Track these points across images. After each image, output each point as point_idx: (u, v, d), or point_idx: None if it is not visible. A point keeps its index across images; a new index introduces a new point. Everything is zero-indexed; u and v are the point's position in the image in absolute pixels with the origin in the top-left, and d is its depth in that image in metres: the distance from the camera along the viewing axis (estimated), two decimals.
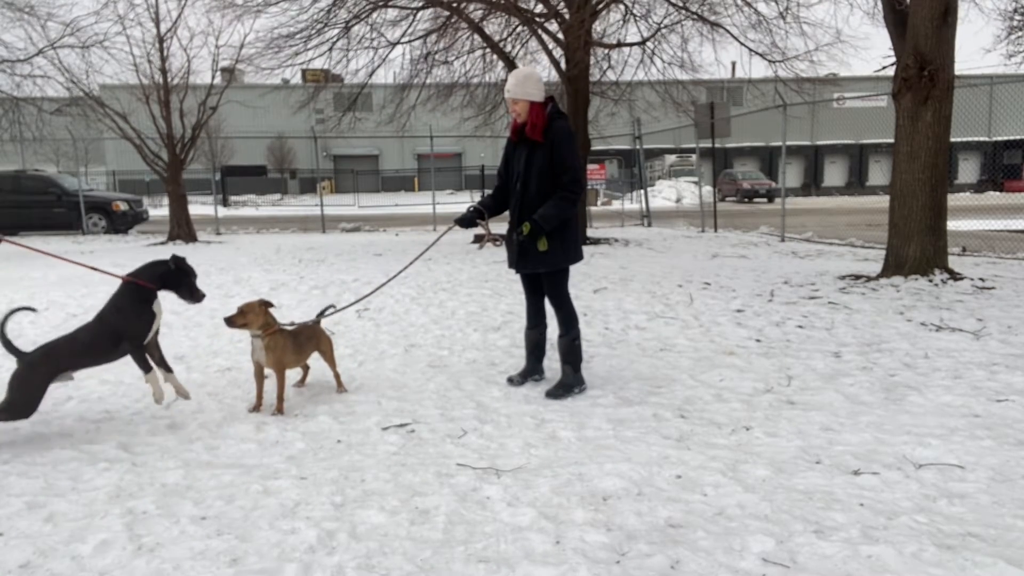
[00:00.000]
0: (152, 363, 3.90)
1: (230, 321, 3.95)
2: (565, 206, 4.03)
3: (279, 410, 3.98)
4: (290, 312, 6.77)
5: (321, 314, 4.50)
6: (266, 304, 4.06)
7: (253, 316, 3.97)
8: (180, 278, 3.96)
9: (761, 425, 3.67)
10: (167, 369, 3.98)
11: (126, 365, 5.07)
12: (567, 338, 4.29)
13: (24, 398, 3.55)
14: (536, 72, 4.28)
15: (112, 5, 14.68)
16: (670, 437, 3.54)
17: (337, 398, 4.27)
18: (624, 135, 19.19)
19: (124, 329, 3.78)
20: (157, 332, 3.94)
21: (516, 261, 4.26)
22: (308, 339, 4.29)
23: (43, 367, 3.62)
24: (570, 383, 4.28)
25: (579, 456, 3.32)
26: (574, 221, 4.19)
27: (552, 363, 4.64)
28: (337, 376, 4.44)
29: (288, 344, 4.08)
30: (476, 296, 7.55)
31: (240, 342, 5.59)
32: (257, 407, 4.06)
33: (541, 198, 4.08)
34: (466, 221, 4.34)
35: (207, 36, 18.95)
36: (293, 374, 4.49)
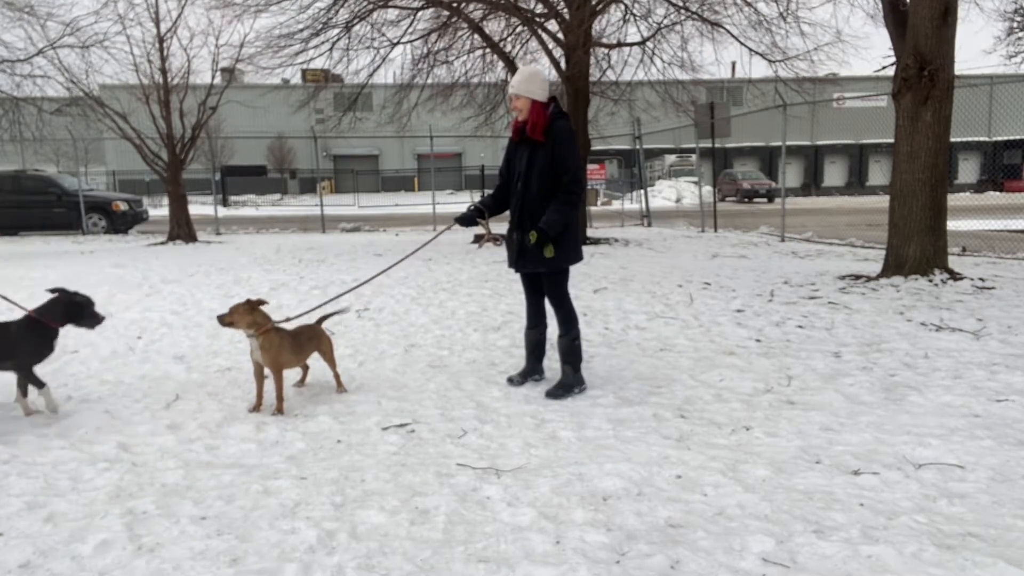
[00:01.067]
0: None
1: (220, 319, 4.03)
2: (567, 209, 4.04)
3: (279, 410, 3.98)
4: (291, 312, 6.77)
5: (322, 319, 4.51)
6: (254, 304, 4.05)
7: (238, 316, 4.00)
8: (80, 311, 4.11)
9: (761, 425, 3.67)
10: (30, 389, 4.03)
11: (126, 365, 5.09)
12: (567, 338, 4.29)
13: None
14: (541, 72, 4.28)
15: (112, 5, 14.69)
16: (670, 437, 3.54)
17: (337, 398, 4.27)
18: (624, 135, 19.18)
19: (16, 354, 3.90)
20: None
21: (516, 260, 4.27)
22: (308, 340, 4.29)
23: None
24: (570, 383, 4.28)
25: (579, 456, 3.32)
26: (574, 222, 4.19)
27: (552, 363, 4.64)
28: (337, 376, 4.44)
29: (285, 343, 4.08)
30: (476, 296, 7.55)
31: (240, 342, 5.59)
32: (257, 407, 4.06)
33: (541, 197, 4.08)
34: (467, 220, 4.36)
35: (207, 36, 18.96)
36: (293, 374, 4.49)
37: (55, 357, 5.30)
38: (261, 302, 4.09)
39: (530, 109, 4.08)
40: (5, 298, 4.48)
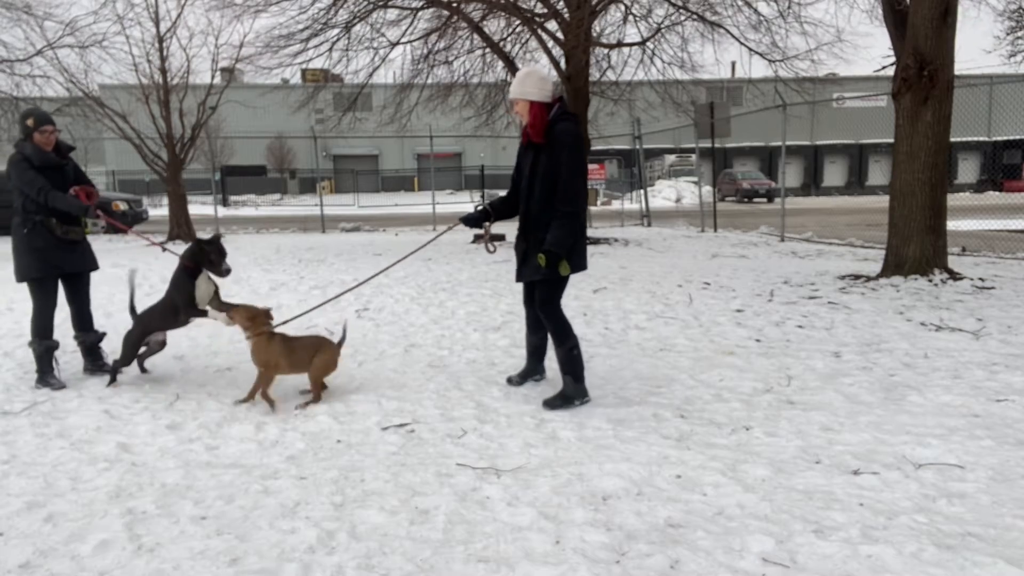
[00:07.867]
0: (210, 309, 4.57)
1: (223, 304, 4.45)
2: (568, 222, 3.85)
3: (249, 398, 4.15)
4: (289, 312, 6.76)
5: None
6: (256, 311, 4.26)
7: (236, 313, 4.27)
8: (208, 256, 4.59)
9: (761, 425, 3.67)
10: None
11: (126, 365, 5.08)
12: (563, 349, 4.08)
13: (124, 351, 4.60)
14: (537, 71, 4.09)
15: (111, 4, 14.67)
16: (670, 437, 3.54)
17: (337, 398, 4.26)
18: (624, 135, 19.17)
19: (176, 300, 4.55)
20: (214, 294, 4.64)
21: (517, 271, 4.19)
22: (304, 350, 4.20)
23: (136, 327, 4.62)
24: (570, 395, 4.05)
25: (579, 456, 3.32)
26: (582, 231, 4.02)
27: (553, 363, 4.63)
28: (316, 390, 4.21)
29: (274, 348, 4.12)
30: (476, 296, 7.55)
31: (239, 342, 5.58)
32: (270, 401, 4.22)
33: (543, 204, 3.91)
34: (472, 221, 4.25)
35: (207, 36, 18.97)
36: (301, 380, 4.42)
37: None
38: (268, 314, 4.29)
39: (528, 111, 3.90)
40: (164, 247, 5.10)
